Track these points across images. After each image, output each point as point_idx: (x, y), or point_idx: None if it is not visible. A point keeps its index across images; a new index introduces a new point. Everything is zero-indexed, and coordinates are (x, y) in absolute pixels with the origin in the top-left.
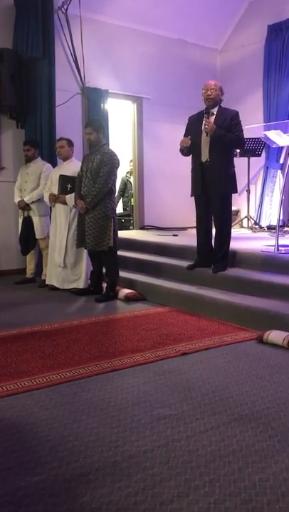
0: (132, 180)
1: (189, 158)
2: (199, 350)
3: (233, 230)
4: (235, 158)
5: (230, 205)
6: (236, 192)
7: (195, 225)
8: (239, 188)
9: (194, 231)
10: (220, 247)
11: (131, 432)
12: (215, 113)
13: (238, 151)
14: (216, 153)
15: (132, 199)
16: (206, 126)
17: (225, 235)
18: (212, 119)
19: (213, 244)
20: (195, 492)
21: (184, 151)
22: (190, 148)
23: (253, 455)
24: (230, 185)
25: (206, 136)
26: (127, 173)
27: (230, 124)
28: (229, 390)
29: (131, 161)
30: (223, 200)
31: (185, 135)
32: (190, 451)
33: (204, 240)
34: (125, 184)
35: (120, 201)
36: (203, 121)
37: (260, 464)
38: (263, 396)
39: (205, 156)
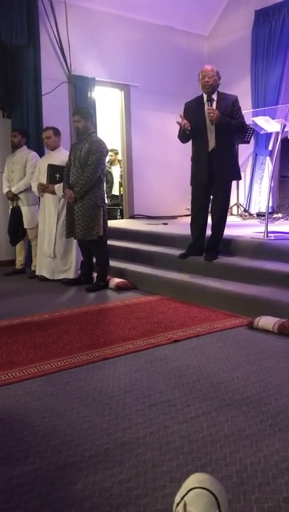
0: (112, 170)
1: (179, 146)
2: (190, 337)
3: None
4: None
5: (230, 192)
6: (240, 179)
7: (188, 214)
8: None
9: (184, 219)
10: (215, 235)
11: (123, 419)
12: (215, 99)
13: None
14: (222, 141)
15: (115, 188)
16: (212, 114)
17: (221, 224)
18: (213, 105)
19: (207, 232)
20: (187, 477)
21: (183, 137)
22: (189, 135)
23: (244, 439)
24: (236, 172)
25: (211, 124)
26: (107, 162)
27: (232, 110)
28: (220, 376)
29: (112, 150)
30: (225, 188)
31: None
32: (182, 437)
33: (200, 229)
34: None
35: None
36: (206, 109)
37: (252, 448)
38: (253, 381)
39: (211, 145)
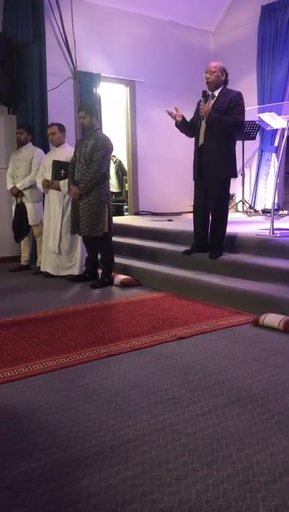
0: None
1: (184, 142)
2: (195, 335)
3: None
4: None
5: (227, 190)
6: (235, 177)
7: (191, 210)
8: None
9: (189, 216)
10: (215, 233)
11: (128, 416)
12: (216, 95)
13: None
14: (212, 137)
15: (112, 185)
16: (201, 110)
17: (220, 221)
18: (212, 102)
19: (209, 229)
20: (193, 474)
21: (181, 129)
22: (190, 128)
23: (250, 437)
24: (227, 170)
25: (202, 119)
26: None
27: (228, 106)
28: (226, 373)
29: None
30: (219, 184)
31: (192, 119)
32: (187, 435)
33: (201, 226)
34: None
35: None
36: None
37: (258, 446)
38: (259, 378)
39: (201, 140)
